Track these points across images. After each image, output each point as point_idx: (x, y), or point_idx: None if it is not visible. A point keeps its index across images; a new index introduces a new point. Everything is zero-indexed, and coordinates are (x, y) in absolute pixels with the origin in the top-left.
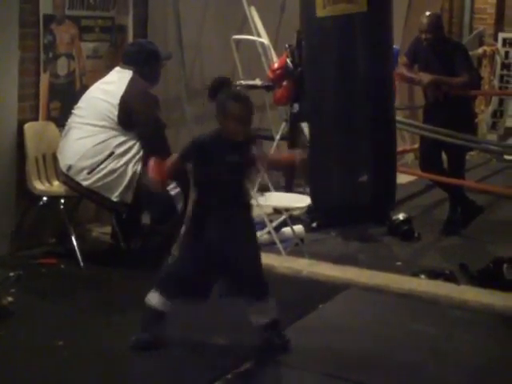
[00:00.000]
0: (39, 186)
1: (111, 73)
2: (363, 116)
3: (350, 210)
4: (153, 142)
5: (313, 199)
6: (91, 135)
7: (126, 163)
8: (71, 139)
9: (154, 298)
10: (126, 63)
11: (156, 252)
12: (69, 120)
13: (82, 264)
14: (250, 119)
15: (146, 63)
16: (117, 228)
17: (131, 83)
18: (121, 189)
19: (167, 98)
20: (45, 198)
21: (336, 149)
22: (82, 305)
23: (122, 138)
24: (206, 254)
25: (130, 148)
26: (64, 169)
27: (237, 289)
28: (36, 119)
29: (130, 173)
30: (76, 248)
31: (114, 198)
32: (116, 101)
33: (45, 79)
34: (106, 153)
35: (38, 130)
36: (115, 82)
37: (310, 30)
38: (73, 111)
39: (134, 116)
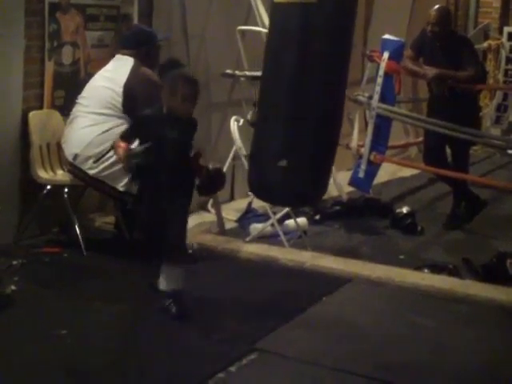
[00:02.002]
0: (43, 174)
1: (112, 61)
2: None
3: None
4: None
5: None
6: (97, 123)
7: None
8: (77, 128)
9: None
10: (124, 47)
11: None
12: (73, 109)
13: (85, 253)
14: (196, 99)
15: (142, 44)
16: (120, 218)
17: (134, 69)
18: (127, 179)
19: None
20: (49, 187)
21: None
22: (85, 293)
23: (125, 126)
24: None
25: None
26: (70, 157)
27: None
28: (40, 108)
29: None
30: (79, 237)
31: (121, 187)
32: (120, 88)
33: (50, 68)
34: (112, 141)
35: (42, 119)
36: (117, 70)
37: (270, 14)
38: (77, 101)
39: (138, 103)
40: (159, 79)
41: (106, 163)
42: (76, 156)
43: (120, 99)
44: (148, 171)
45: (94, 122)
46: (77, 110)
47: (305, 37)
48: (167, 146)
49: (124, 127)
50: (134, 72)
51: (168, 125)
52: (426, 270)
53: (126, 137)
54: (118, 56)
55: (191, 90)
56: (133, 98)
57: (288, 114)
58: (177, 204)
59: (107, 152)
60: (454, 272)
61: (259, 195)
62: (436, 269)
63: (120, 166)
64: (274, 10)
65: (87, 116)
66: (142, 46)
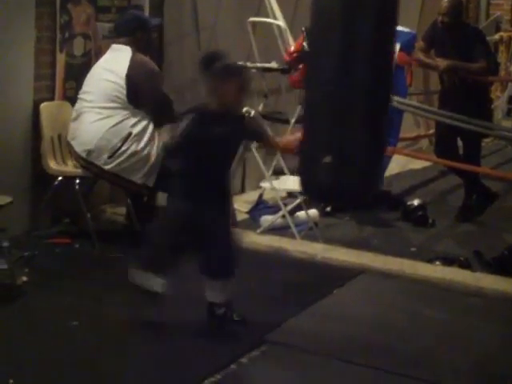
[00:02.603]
0: (54, 165)
1: (109, 51)
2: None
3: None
4: (163, 119)
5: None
6: (105, 117)
7: (148, 145)
8: (85, 123)
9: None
10: (118, 34)
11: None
12: (77, 106)
13: (96, 244)
14: (247, 91)
15: (136, 31)
16: (131, 209)
17: (133, 59)
18: (144, 171)
19: (183, 80)
20: (60, 178)
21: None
22: (96, 284)
23: (136, 117)
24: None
25: (145, 127)
26: (83, 154)
27: (207, 265)
28: (52, 99)
29: (154, 155)
30: (90, 228)
31: (138, 180)
32: (122, 80)
33: (61, 59)
34: (124, 134)
35: (53, 110)
36: (116, 60)
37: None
38: (79, 96)
39: (140, 93)
40: (202, 72)
41: (122, 157)
42: (89, 152)
43: (124, 91)
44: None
45: (101, 116)
46: (81, 105)
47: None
48: (215, 143)
49: (133, 119)
50: (133, 62)
51: (217, 121)
52: (437, 263)
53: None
54: (114, 46)
55: (240, 79)
56: (136, 88)
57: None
58: (219, 210)
59: (121, 145)
60: (465, 264)
61: (312, 196)
62: (447, 261)
63: (136, 158)
64: None
65: (93, 110)
66: (136, 32)
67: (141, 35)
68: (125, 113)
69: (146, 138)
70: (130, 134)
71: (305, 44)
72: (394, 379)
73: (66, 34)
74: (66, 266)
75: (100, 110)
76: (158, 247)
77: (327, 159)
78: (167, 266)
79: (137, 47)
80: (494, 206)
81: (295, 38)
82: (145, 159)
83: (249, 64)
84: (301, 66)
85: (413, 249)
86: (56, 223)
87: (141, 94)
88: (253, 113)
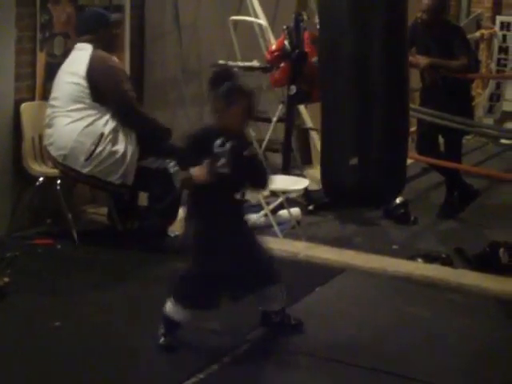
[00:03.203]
0: (35, 166)
1: (72, 52)
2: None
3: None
4: (127, 117)
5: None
6: (76, 120)
7: (122, 144)
8: (58, 128)
9: (169, 308)
10: (80, 33)
11: (152, 232)
12: (48, 111)
13: (78, 244)
14: (252, 114)
15: (96, 27)
16: (113, 208)
17: (93, 57)
18: (121, 171)
19: (164, 79)
20: (41, 179)
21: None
22: (78, 285)
23: (106, 116)
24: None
25: (117, 125)
26: (59, 159)
27: (253, 283)
28: (32, 99)
29: (129, 154)
30: (72, 228)
31: (116, 180)
32: (83, 80)
33: (41, 58)
34: (97, 135)
35: (34, 110)
36: (77, 60)
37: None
38: (49, 102)
39: (101, 90)
40: (210, 90)
41: (98, 159)
42: (65, 156)
43: (87, 90)
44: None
45: (72, 119)
46: (52, 111)
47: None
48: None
49: (103, 118)
50: (92, 59)
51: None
52: (419, 260)
53: (184, 163)
54: (77, 45)
55: (246, 103)
56: (97, 86)
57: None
58: (243, 227)
59: (96, 147)
60: (447, 261)
61: (335, 199)
62: (429, 258)
63: (113, 159)
64: None
65: (63, 114)
66: (96, 30)
67: (102, 32)
68: (93, 112)
69: (120, 138)
70: (102, 134)
71: (286, 43)
72: (379, 377)
73: (47, 34)
74: (48, 266)
75: (69, 113)
76: (188, 281)
77: (354, 161)
78: (198, 303)
79: (99, 45)
80: (475, 203)
81: (276, 37)
82: (121, 159)
83: (230, 63)
84: (282, 65)
85: (395, 246)
86: (38, 224)
87: (102, 90)
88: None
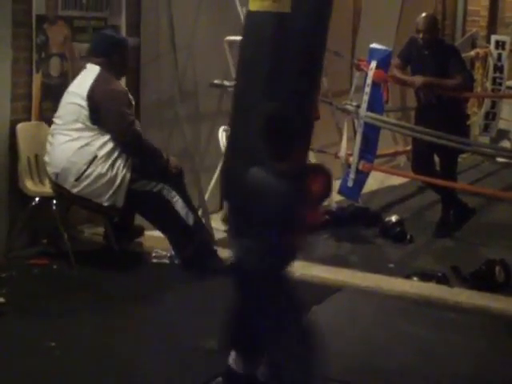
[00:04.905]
0: (31, 186)
1: (82, 71)
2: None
3: None
4: (126, 141)
5: None
6: (72, 139)
7: (114, 166)
8: (56, 145)
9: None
10: (94, 55)
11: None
12: (51, 128)
13: (74, 265)
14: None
15: (111, 50)
16: (109, 229)
17: (97, 79)
18: (110, 193)
19: (160, 99)
20: (37, 199)
21: None
22: (74, 305)
23: (103, 139)
24: None
25: (113, 149)
26: (52, 177)
27: None
28: (28, 119)
29: (119, 176)
30: (68, 249)
31: (105, 202)
32: (84, 101)
33: (37, 79)
34: (90, 157)
35: (30, 131)
36: (82, 82)
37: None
38: (53, 119)
39: (101, 113)
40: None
41: (88, 180)
42: (57, 175)
43: (86, 112)
44: None
45: (69, 138)
46: (54, 128)
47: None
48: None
49: (99, 141)
50: (96, 81)
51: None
52: (415, 279)
53: None
54: (87, 66)
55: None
56: (97, 108)
57: None
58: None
59: (87, 168)
60: (442, 280)
61: None
62: (425, 277)
63: (103, 181)
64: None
65: (63, 132)
66: (111, 53)
67: (117, 56)
68: (90, 134)
69: (111, 160)
70: (95, 156)
71: None
72: None
73: (43, 55)
74: (44, 286)
75: (68, 132)
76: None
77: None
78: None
79: (111, 68)
80: (471, 221)
81: None
82: (110, 181)
83: (226, 82)
84: None
85: (391, 265)
86: (34, 244)
87: (102, 113)
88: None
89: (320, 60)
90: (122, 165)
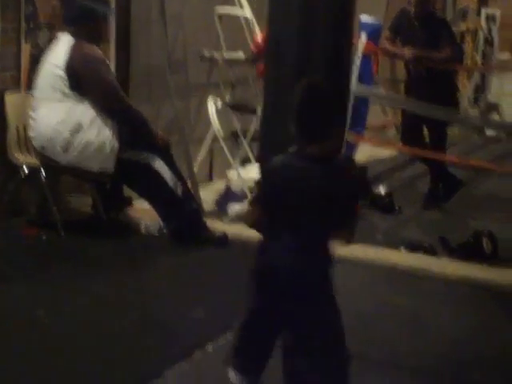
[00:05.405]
0: (20, 156)
1: (55, 43)
2: None
3: None
4: (111, 107)
5: None
6: (53, 110)
7: (101, 134)
8: (38, 119)
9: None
10: (66, 24)
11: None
12: (32, 102)
13: (62, 234)
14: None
15: (83, 19)
16: (97, 198)
17: (73, 48)
18: (100, 159)
19: (150, 71)
20: (26, 169)
21: None
22: (62, 274)
23: (84, 106)
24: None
25: (97, 116)
26: (39, 149)
27: None
28: (17, 90)
29: (108, 144)
30: (57, 218)
31: (95, 169)
32: (61, 70)
33: (26, 50)
34: (74, 125)
35: (18, 101)
36: (57, 51)
37: None
38: (33, 93)
39: (81, 80)
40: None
41: (75, 149)
42: (44, 148)
43: (65, 80)
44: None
45: (50, 109)
46: (34, 102)
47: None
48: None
49: (81, 108)
50: (71, 50)
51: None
52: (403, 249)
53: (259, 202)
54: (59, 35)
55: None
56: (77, 76)
57: None
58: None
59: (73, 137)
60: (430, 251)
61: None
62: (413, 248)
63: (91, 148)
64: None
65: (44, 105)
66: (83, 22)
67: (88, 25)
68: (72, 102)
69: (97, 127)
70: (79, 124)
71: None
72: (364, 364)
73: (31, 25)
74: (33, 256)
75: (49, 104)
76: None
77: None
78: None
79: (84, 36)
80: (459, 193)
81: (262, 29)
82: (99, 148)
83: (215, 54)
84: None
85: (379, 236)
86: (23, 214)
87: (82, 81)
88: (220, 103)
89: (352, 12)
90: (109, 133)
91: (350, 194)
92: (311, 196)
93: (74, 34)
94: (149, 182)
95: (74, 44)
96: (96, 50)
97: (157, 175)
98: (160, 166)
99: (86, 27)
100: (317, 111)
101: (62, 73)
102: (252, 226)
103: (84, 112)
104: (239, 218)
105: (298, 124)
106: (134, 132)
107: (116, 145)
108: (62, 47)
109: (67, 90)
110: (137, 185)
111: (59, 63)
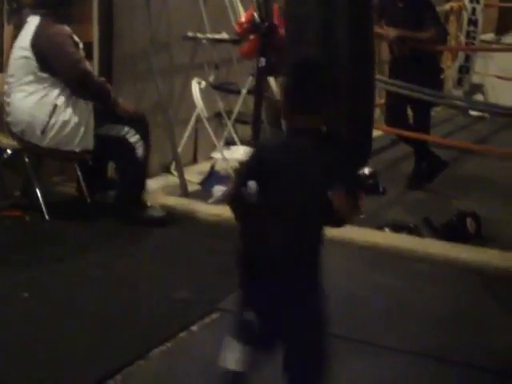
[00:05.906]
0: (3, 138)
1: (24, 26)
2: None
3: None
4: (79, 83)
5: None
6: (29, 94)
7: (76, 112)
8: (13, 104)
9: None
10: (37, 6)
11: (121, 203)
12: (5, 88)
13: (47, 217)
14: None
15: (56, 4)
16: (81, 180)
17: (38, 27)
18: (79, 138)
19: (133, 52)
20: (9, 151)
21: None
22: (46, 256)
23: (58, 87)
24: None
25: (70, 95)
26: (19, 134)
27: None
28: (0, 71)
29: (83, 121)
30: (41, 200)
31: (76, 148)
32: (29, 51)
33: (8, 31)
34: (50, 107)
35: (1, 82)
36: (25, 34)
37: None
38: (5, 79)
39: (47, 59)
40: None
41: (53, 131)
42: (23, 132)
43: (34, 62)
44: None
45: (25, 93)
46: (8, 87)
47: None
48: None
49: (55, 89)
50: (38, 30)
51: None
52: (386, 230)
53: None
54: (28, 19)
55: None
56: (44, 55)
57: None
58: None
59: (50, 119)
60: (414, 231)
61: None
62: (397, 228)
63: (68, 128)
64: None
65: (17, 89)
66: (54, 6)
67: (60, 9)
68: (45, 85)
69: (71, 106)
70: (55, 106)
71: (255, 15)
72: (350, 345)
73: (14, 5)
74: (17, 238)
75: (23, 88)
76: None
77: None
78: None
79: (55, 18)
80: (443, 174)
81: (246, 9)
82: (76, 127)
83: (199, 35)
84: (251, 37)
85: (363, 216)
86: (6, 196)
87: (47, 58)
88: (203, 84)
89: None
90: (84, 109)
91: (341, 162)
92: (300, 168)
93: (44, 16)
94: (123, 157)
95: (40, 23)
96: (62, 28)
97: (131, 149)
98: (135, 139)
99: (59, 11)
100: (304, 84)
101: (29, 53)
102: (231, 202)
103: (57, 92)
104: (223, 199)
105: (285, 96)
106: (92, 101)
107: (92, 122)
108: (29, 29)
109: (39, 72)
110: (113, 158)
111: (25, 45)
